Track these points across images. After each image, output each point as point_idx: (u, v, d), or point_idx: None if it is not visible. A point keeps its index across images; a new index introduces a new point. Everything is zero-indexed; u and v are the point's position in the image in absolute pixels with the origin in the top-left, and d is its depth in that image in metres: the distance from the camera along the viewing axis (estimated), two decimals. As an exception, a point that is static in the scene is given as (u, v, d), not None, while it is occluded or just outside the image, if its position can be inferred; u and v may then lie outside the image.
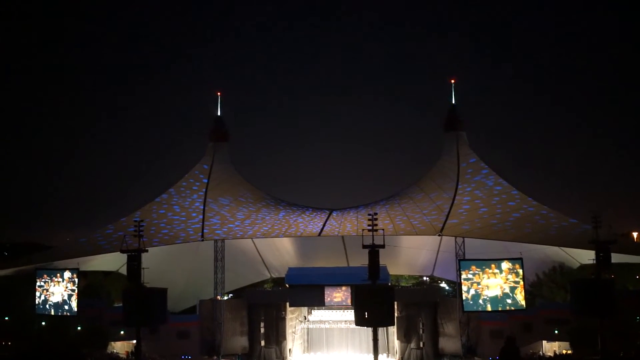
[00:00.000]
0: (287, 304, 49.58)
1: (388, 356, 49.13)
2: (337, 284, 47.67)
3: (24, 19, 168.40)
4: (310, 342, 52.37)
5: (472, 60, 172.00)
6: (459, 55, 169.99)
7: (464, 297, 41.20)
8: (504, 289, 40.68)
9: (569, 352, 40.77)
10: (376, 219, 29.61)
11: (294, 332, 51.06)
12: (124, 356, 44.65)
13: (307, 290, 48.27)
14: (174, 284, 46.20)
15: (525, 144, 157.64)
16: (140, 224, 30.86)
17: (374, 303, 28.23)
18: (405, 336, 47.99)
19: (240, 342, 49.72)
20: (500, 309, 41.16)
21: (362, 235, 28.90)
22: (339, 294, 47.57)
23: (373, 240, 28.74)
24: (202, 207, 52.26)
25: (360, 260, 31.18)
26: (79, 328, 44.10)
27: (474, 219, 47.51)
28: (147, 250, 30.29)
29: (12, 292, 45.63)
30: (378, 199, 57.20)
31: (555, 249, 46.65)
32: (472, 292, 41.01)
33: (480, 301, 41.02)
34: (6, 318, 44.90)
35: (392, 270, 52.36)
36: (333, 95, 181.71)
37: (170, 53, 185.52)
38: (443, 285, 60.41)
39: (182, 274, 53.52)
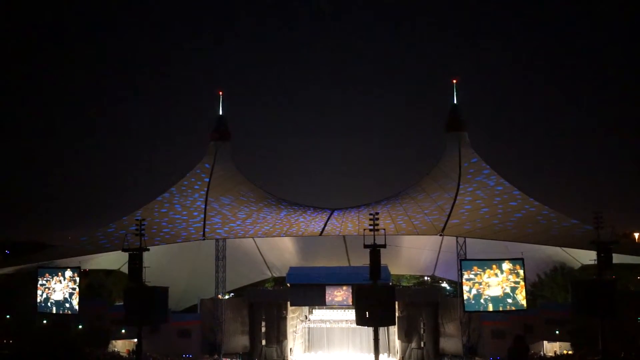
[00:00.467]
0: (288, 303, 49.60)
1: (389, 356, 49.10)
2: (338, 284, 47.67)
3: (26, 15, 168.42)
4: (311, 341, 52.36)
5: (474, 59, 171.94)
6: (461, 54, 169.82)
7: (465, 297, 41.19)
8: (505, 289, 40.66)
9: (570, 352, 40.75)
10: (377, 219, 29.65)
11: (295, 332, 51.07)
12: (125, 355, 44.69)
13: (308, 289, 48.27)
14: (176, 282, 46.23)
15: (527, 144, 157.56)
16: (142, 222, 30.92)
17: (375, 303, 28.26)
18: (406, 336, 47.98)
19: (241, 341, 49.77)
20: (501, 308, 41.14)
21: (364, 235, 28.93)
22: (340, 294, 47.58)
23: (374, 240, 28.77)
24: (203, 206, 52.29)
25: (362, 259, 31.22)
26: (80, 327, 44.17)
27: (476, 219, 47.48)
28: (148, 249, 30.37)
29: (14, 291, 45.74)
30: (379, 198, 57.21)
31: (557, 249, 46.62)
32: (473, 291, 40.98)
33: (482, 300, 41.00)
34: (7, 316, 45.01)
35: (393, 270, 52.38)
36: (334, 95, 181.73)
37: (173, 51, 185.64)
38: (444, 285, 60.40)
39: (183, 273, 53.58)
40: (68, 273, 43.82)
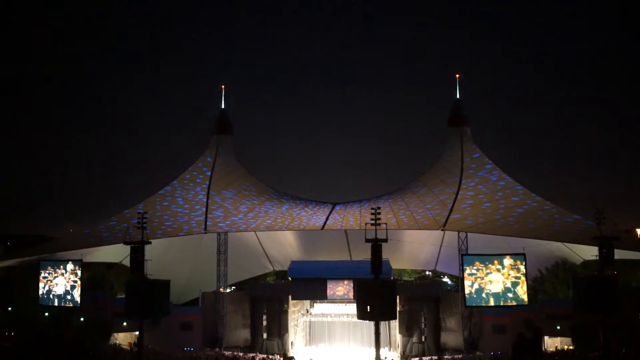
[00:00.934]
0: (290, 297, 49.69)
1: (390, 350, 49.19)
2: (340, 278, 47.74)
3: (27, 14, 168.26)
4: (312, 335, 52.49)
5: (477, 55, 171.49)
6: (464, 49, 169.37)
7: (467, 292, 41.15)
8: (506, 283, 40.64)
9: (571, 347, 40.76)
10: (379, 213, 29.57)
11: (296, 325, 51.19)
12: (127, 347, 44.81)
13: (310, 283, 48.35)
14: (177, 276, 46.32)
15: (529, 139, 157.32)
16: (144, 216, 30.89)
17: (376, 297, 28.22)
18: (407, 330, 48.07)
19: (243, 334, 49.91)
20: (502, 303, 41.09)
21: (365, 229, 28.87)
22: (342, 288, 47.64)
23: (376, 234, 28.70)
24: (205, 200, 52.34)
25: (363, 254, 31.18)
26: (82, 319, 44.27)
27: (477, 214, 47.46)
28: (150, 242, 30.32)
29: (15, 283, 45.82)
30: (381, 193, 57.22)
31: (558, 244, 46.61)
32: (475, 286, 40.93)
33: (484, 295, 40.96)
34: (9, 309, 45.11)
35: (395, 265, 52.41)
36: (336, 89, 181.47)
37: (176, 45, 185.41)
38: (445, 279, 60.44)
39: (185, 267, 53.65)
40: (70, 266, 43.85)
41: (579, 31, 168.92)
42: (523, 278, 40.88)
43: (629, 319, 36.69)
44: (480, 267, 41.06)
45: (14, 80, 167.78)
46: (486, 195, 49.95)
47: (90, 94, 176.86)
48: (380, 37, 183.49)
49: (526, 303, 40.99)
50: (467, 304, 42.02)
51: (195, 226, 49.13)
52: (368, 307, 28.19)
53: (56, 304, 44.03)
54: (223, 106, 60.75)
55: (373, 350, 31.35)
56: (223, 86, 61.06)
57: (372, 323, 29.69)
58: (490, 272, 40.86)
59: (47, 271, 44.50)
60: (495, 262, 41.09)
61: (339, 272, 48.40)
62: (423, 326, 47.81)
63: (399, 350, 48.39)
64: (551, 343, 43.90)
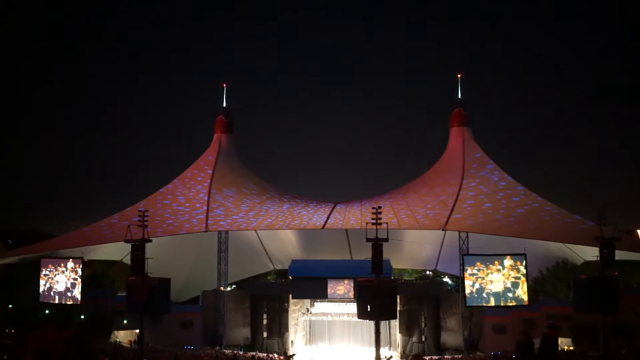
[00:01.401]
0: (290, 296, 49.72)
1: (390, 349, 49.22)
2: (340, 277, 47.77)
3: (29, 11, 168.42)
4: (313, 334, 52.54)
5: (479, 55, 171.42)
6: (464, 49, 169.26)
7: (468, 292, 41.21)
8: (506, 283, 40.68)
9: (572, 348, 40.77)
10: (380, 213, 29.58)
11: (296, 324, 51.23)
12: (127, 345, 44.87)
13: (310, 282, 48.40)
14: (178, 274, 46.35)
15: (529, 139, 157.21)
16: (145, 214, 30.91)
17: (377, 296, 28.24)
18: (407, 330, 48.09)
19: (243, 333, 49.95)
20: (502, 303, 41.14)
21: (366, 229, 28.88)
22: (342, 287, 47.67)
23: (377, 233, 28.71)
24: (206, 198, 52.35)
25: (364, 253, 31.20)
26: (82, 317, 44.33)
27: (478, 214, 47.45)
28: (151, 241, 30.35)
29: (16, 280, 45.87)
30: (382, 193, 57.21)
31: (559, 245, 46.58)
32: (477, 286, 40.97)
33: (484, 295, 41.00)
34: (10, 306, 45.17)
35: (395, 264, 52.43)
36: (336, 90, 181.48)
37: (177, 43, 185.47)
38: (446, 279, 60.43)
39: (185, 265, 53.69)
40: (70, 264, 43.95)
41: (579, 31, 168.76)
42: (523, 278, 40.93)
43: (630, 320, 36.73)
44: (481, 268, 41.11)
45: (14, 78, 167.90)
46: (487, 195, 49.91)
47: (91, 93, 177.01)
48: (380, 36, 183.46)
49: (526, 303, 41.04)
50: (468, 303, 42.08)
51: (196, 224, 49.15)
52: (368, 306, 28.23)
53: (57, 301, 44.14)
54: (225, 104, 60.76)
55: (373, 349, 31.41)
56: (225, 84, 61.01)
57: (372, 322, 29.74)
58: (491, 273, 40.91)
59: (48, 268, 44.60)
60: (496, 262, 41.13)
61: (339, 271, 48.43)
62: (423, 326, 47.84)
63: (399, 349, 48.43)
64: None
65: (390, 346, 49.66)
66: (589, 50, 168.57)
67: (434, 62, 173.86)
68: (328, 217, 50.49)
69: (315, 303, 52.11)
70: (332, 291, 47.81)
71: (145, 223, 30.46)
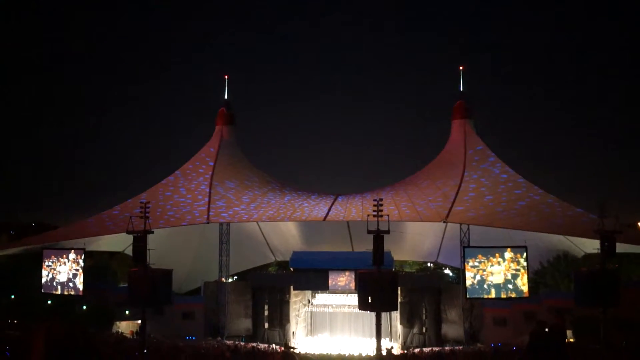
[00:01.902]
0: (291, 287, 49.85)
1: (391, 341, 49.37)
2: (342, 269, 47.87)
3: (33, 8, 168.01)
4: (314, 325, 52.70)
5: (481, 48, 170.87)
6: (466, 42, 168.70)
7: (469, 284, 41.27)
8: (507, 275, 40.77)
9: (572, 340, 40.87)
10: (381, 205, 29.59)
11: (297, 316, 51.39)
12: (129, 336, 45.07)
13: (311, 274, 48.51)
14: (180, 265, 46.48)
15: (530, 132, 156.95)
16: (147, 205, 30.96)
17: (378, 288, 28.30)
18: (408, 321, 48.23)
19: (244, 324, 50.12)
20: (503, 294, 41.21)
21: (367, 221, 28.91)
22: (343, 279, 47.78)
23: (378, 225, 28.73)
24: (208, 190, 52.41)
25: (365, 245, 31.29)
26: (84, 307, 44.52)
27: (479, 206, 47.48)
28: (152, 232, 30.42)
29: (19, 272, 46.03)
30: (384, 185, 57.26)
31: (560, 237, 46.63)
32: (478, 277, 41.05)
33: (485, 286, 41.08)
34: (12, 297, 45.34)
35: (397, 256, 52.51)
36: (338, 82, 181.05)
37: (179, 35, 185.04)
38: (447, 271, 60.53)
39: (187, 256, 53.83)
40: (72, 255, 44.09)
41: (580, 25, 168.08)
42: (523, 270, 40.98)
43: (631, 312, 36.79)
44: (482, 260, 41.18)
45: (15, 69, 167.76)
46: (488, 188, 49.92)
47: (94, 86, 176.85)
48: (384, 26, 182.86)
49: (526, 294, 41.13)
50: (469, 295, 42.17)
51: (197, 216, 49.26)
52: (369, 298, 28.29)
53: (59, 291, 44.32)
54: (226, 96, 60.71)
55: (374, 340, 31.52)
56: (227, 76, 60.93)
57: (373, 314, 29.80)
58: (492, 265, 40.99)
59: (51, 259, 44.76)
60: (497, 254, 41.21)
61: (340, 263, 48.54)
62: (424, 317, 47.96)
63: (400, 341, 48.57)
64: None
65: (391, 337, 49.82)
66: (590, 46, 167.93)
67: (437, 54, 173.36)
68: (329, 209, 50.55)
69: (316, 294, 52.24)
70: (333, 283, 47.93)
71: (147, 214, 30.52)
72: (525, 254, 41.00)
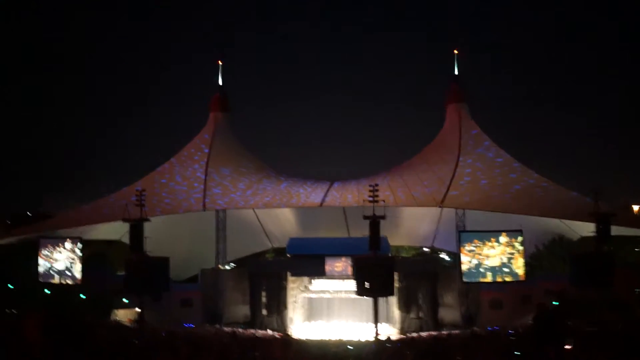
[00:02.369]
0: (288, 273, 49.95)
1: (388, 325, 49.59)
2: (338, 254, 47.94)
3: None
4: (311, 311, 52.84)
5: (475, 33, 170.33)
6: (462, 26, 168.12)
7: (466, 267, 41.41)
8: (502, 259, 40.94)
9: (568, 323, 41.09)
10: (377, 190, 29.63)
11: (295, 302, 51.51)
12: (127, 324, 45.16)
13: (308, 260, 48.57)
14: (176, 253, 46.49)
15: (527, 117, 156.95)
16: (142, 193, 30.96)
17: (375, 273, 28.43)
18: (405, 306, 48.40)
19: (242, 310, 50.23)
20: (498, 277, 41.40)
21: (363, 206, 28.99)
22: (340, 264, 47.87)
23: (374, 211, 28.81)
24: (203, 177, 52.31)
25: (361, 231, 31.33)
26: (82, 296, 44.52)
27: (475, 190, 47.57)
28: (149, 220, 30.48)
29: (15, 260, 45.98)
30: (379, 170, 57.19)
31: (556, 221, 46.78)
32: (474, 261, 41.19)
33: (481, 269, 41.25)
34: (9, 286, 45.30)
35: (393, 241, 52.56)
36: (335, 68, 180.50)
37: (173, 21, 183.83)
38: (443, 256, 60.72)
39: (184, 244, 53.82)
40: (68, 243, 44.06)
41: (578, 17, 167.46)
42: (517, 254, 41.12)
43: (626, 295, 37.05)
44: (478, 244, 41.32)
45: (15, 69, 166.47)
46: (484, 172, 49.98)
47: (88, 73, 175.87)
48: (376, 11, 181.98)
49: (522, 278, 41.33)
50: (465, 279, 42.34)
51: (194, 203, 49.21)
52: (366, 283, 28.43)
53: (56, 280, 44.33)
54: (220, 83, 60.37)
55: (371, 325, 31.67)
56: (220, 62, 60.44)
57: (370, 299, 29.96)
58: (488, 249, 41.14)
59: (47, 249, 44.73)
60: (492, 239, 41.35)
61: (337, 248, 48.60)
62: (421, 302, 48.11)
63: (397, 325, 48.77)
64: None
65: (388, 322, 50.03)
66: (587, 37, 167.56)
67: (432, 37, 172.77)
68: (325, 195, 50.55)
69: (313, 280, 52.37)
70: (330, 268, 48.02)
71: (143, 202, 30.54)
72: (520, 238, 41.14)
